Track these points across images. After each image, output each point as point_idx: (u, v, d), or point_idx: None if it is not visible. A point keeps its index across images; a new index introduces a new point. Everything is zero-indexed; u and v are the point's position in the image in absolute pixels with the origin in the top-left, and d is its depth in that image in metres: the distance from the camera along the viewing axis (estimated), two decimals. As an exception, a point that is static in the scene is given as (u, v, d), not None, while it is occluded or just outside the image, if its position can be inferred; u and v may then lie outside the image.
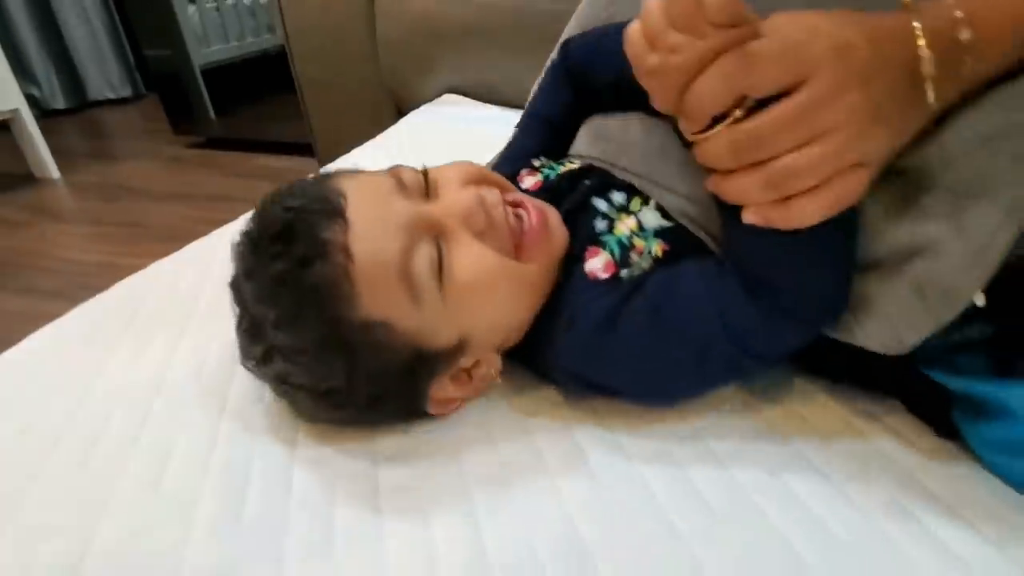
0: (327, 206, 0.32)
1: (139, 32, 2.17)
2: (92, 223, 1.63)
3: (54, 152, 1.87)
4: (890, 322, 0.30)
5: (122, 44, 2.66)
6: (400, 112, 1.12)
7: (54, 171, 1.85)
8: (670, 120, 0.35)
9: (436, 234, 0.33)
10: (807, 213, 0.27)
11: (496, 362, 0.38)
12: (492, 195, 0.36)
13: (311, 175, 0.36)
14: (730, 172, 0.28)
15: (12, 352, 0.45)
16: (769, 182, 0.27)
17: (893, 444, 0.35)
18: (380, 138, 0.93)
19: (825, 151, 0.26)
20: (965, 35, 0.27)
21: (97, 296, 0.51)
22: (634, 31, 0.27)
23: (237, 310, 0.35)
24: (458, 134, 0.90)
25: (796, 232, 0.28)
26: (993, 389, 0.30)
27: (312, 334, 0.31)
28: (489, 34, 1.04)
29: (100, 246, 1.49)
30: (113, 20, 2.62)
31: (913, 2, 0.28)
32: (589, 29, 0.49)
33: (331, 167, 0.81)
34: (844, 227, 0.30)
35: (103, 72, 2.63)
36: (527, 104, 0.54)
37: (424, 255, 0.32)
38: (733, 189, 0.29)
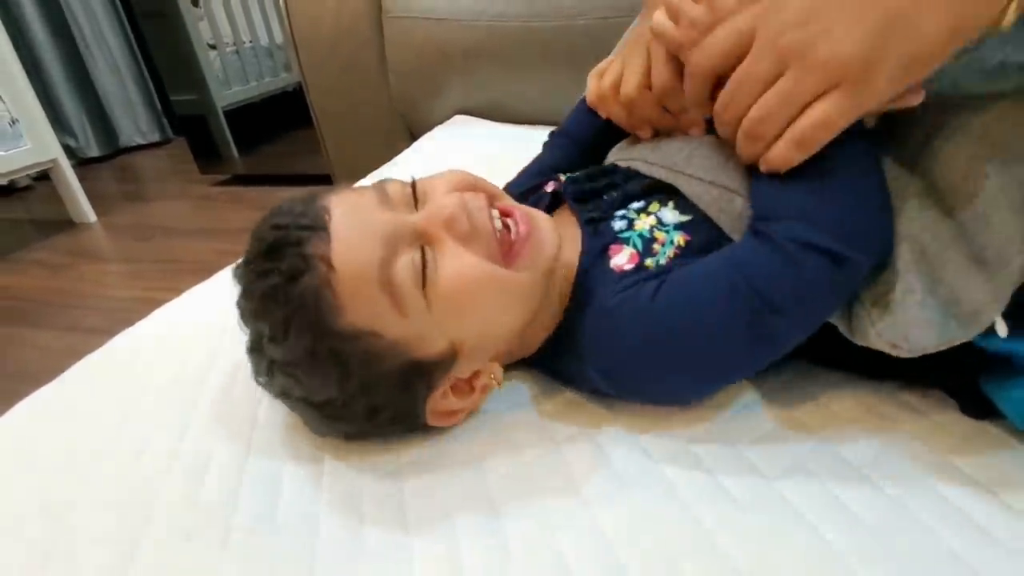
0: (311, 222, 0.33)
1: (165, 79, 2.28)
2: (128, 262, 1.71)
3: (90, 197, 1.96)
4: (906, 324, 0.31)
5: (150, 93, 2.81)
6: (413, 136, 1.15)
7: (91, 215, 1.95)
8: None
9: (421, 242, 0.34)
10: (779, 154, 0.31)
11: (497, 372, 0.38)
12: (477, 200, 0.35)
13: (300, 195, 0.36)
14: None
15: (57, 381, 0.47)
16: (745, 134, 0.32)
17: (923, 429, 0.34)
18: (394, 163, 0.96)
19: (778, 91, 0.30)
20: None
21: (136, 324, 0.54)
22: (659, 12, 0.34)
23: (245, 329, 0.36)
24: (469, 153, 0.92)
25: (804, 170, 0.31)
26: (1017, 345, 0.30)
27: (302, 345, 0.32)
28: (495, 55, 1.07)
29: (136, 283, 1.56)
30: (141, 70, 2.76)
31: None
32: None
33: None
34: (850, 163, 0.32)
35: (133, 120, 2.77)
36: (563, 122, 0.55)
37: (406, 264, 0.32)
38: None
